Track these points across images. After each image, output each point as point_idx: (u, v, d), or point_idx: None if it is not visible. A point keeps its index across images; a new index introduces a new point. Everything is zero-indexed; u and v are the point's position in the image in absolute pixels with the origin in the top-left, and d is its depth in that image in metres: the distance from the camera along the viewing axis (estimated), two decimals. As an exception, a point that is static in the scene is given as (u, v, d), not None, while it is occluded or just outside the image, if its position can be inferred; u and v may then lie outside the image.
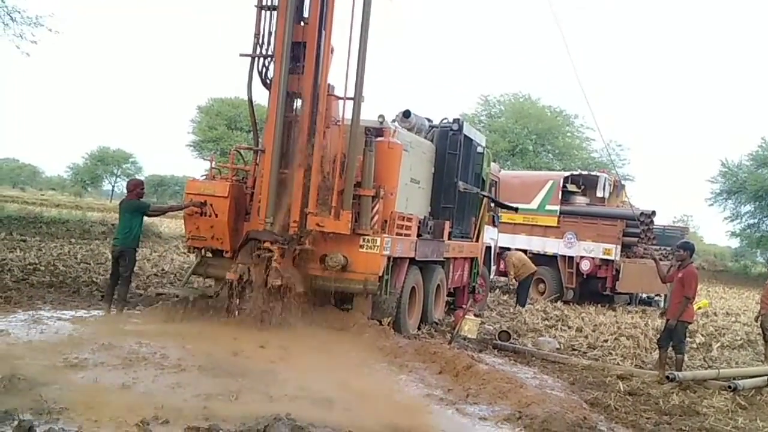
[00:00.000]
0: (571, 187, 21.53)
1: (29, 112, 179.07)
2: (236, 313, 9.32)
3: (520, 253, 18.19)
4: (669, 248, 19.74)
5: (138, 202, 10.55)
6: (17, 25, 17.45)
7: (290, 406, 6.08)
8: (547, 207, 20.78)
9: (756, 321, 12.71)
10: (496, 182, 15.98)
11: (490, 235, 16.11)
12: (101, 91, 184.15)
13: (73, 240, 21.60)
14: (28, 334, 8.21)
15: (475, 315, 12.42)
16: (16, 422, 4.99)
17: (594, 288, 19.90)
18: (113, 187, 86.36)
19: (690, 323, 10.35)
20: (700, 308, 18.08)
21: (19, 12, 17.34)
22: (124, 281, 10.27)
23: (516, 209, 16.06)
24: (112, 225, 22.30)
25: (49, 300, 11.15)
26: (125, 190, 11.28)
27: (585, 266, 19.71)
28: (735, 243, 56.45)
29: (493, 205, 15.41)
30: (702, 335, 14.47)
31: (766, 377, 9.67)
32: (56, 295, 11.62)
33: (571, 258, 20.01)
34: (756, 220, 47.96)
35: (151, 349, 7.79)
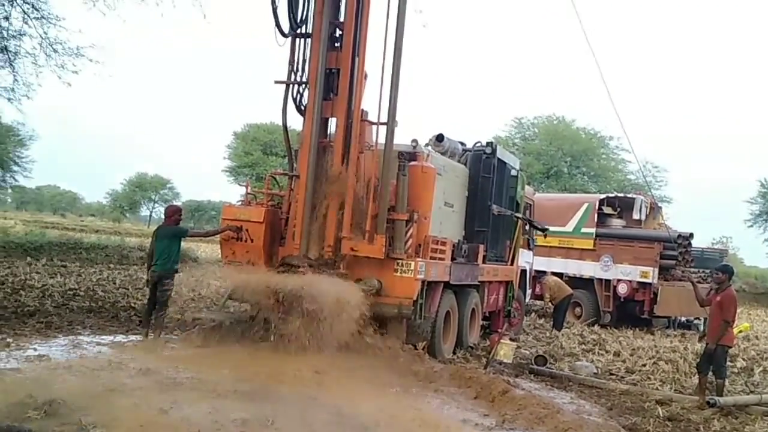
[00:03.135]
0: (607, 210, 21.37)
1: (69, 139, 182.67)
2: (272, 337, 9.35)
3: (556, 277, 18.13)
4: (708, 271, 19.44)
5: (176, 228, 10.70)
6: (59, 56, 17.91)
7: None
8: (583, 230, 20.63)
9: None
10: (530, 205, 15.93)
11: (526, 259, 16.04)
12: (140, 118, 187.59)
13: (111, 265, 21.88)
14: (68, 358, 8.34)
15: (510, 339, 12.31)
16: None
17: (631, 311, 19.67)
18: (151, 212, 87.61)
19: (730, 347, 10.17)
20: (741, 332, 17.72)
21: (61, 43, 17.82)
22: (162, 306, 10.39)
23: (545, 230, 15.91)
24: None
25: (89, 325, 11.31)
26: (163, 216, 11.45)
27: (622, 289, 19.49)
28: (776, 265, 55.42)
29: (527, 227, 15.36)
30: (743, 359, 14.18)
31: (810, 403, 9.46)
32: (95, 320, 11.78)
33: (607, 281, 19.81)
34: (797, 241, 46.98)
35: (188, 374, 7.86)
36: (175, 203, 48.06)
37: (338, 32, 10.42)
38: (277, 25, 10.59)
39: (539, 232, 16.31)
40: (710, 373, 9.63)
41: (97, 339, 10.10)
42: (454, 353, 11.41)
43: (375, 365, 9.23)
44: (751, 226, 48.75)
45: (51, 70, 17.90)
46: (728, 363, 10.85)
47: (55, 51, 17.63)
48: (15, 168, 50.24)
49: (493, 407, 8.02)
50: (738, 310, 10.76)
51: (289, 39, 10.73)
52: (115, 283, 16.81)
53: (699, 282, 15.88)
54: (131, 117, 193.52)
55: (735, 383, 11.35)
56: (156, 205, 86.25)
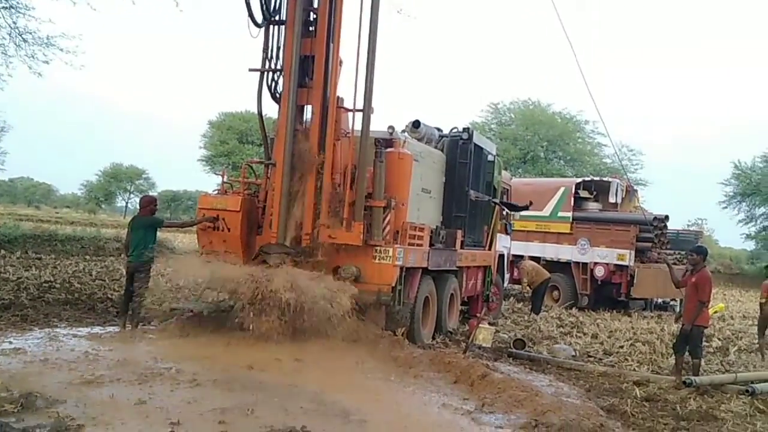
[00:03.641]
0: (584, 194, 21.51)
1: (42, 130, 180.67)
2: (251, 326, 9.32)
3: (534, 261, 18.24)
4: (683, 252, 19.64)
5: (152, 218, 10.62)
6: (29, 45, 17.71)
7: (306, 419, 6.10)
8: (560, 214, 20.75)
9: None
10: (507, 190, 15.98)
11: (503, 243, 16.11)
12: (114, 109, 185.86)
13: (87, 257, 21.69)
14: (44, 351, 8.24)
15: (489, 323, 12.40)
16: (34, 440, 5.02)
17: (609, 294, 19.86)
18: (127, 203, 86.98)
19: (706, 327, 10.27)
20: (716, 312, 17.96)
21: (30, 33, 17.60)
22: (139, 297, 10.31)
23: (525, 207, 15.89)
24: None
25: (65, 317, 11.20)
26: (138, 206, 11.36)
27: (599, 272, 19.66)
28: (751, 245, 56.14)
29: (505, 212, 15.39)
30: (719, 339, 14.39)
31: (784, 380, 9.59)
32: (72, 313, 11.67)
33: (585, 264, 19.98)
34: (771, 222, 47.57)
35: (166, 364, 7.82)
36: (150, 193, 47.75)
37: (312, 18, 10.33)
38: (250, 15, 10.45)
39: (515, 213, 16.31)
40: (686, 353, 9.73)
41: (74, 331, 9.99)
42: (433, 338, 11.44)
43: (355, 352, 9.24)
44: (725, 207, 49.25)
45: (21, 60, 17.70)
46: (704, 343, 10.97)
47: (25, 41, 17.44)
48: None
49: (472, 391, 8.06)
50: (713, 291, 10.87)
51: (263, 26, 10.63)
52: (91, 275, 16.67)
53: (674, 264, 16.04)
54: (104, 106, 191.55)
55: (711, 363, 11.51)
56: (131, 195, 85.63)
